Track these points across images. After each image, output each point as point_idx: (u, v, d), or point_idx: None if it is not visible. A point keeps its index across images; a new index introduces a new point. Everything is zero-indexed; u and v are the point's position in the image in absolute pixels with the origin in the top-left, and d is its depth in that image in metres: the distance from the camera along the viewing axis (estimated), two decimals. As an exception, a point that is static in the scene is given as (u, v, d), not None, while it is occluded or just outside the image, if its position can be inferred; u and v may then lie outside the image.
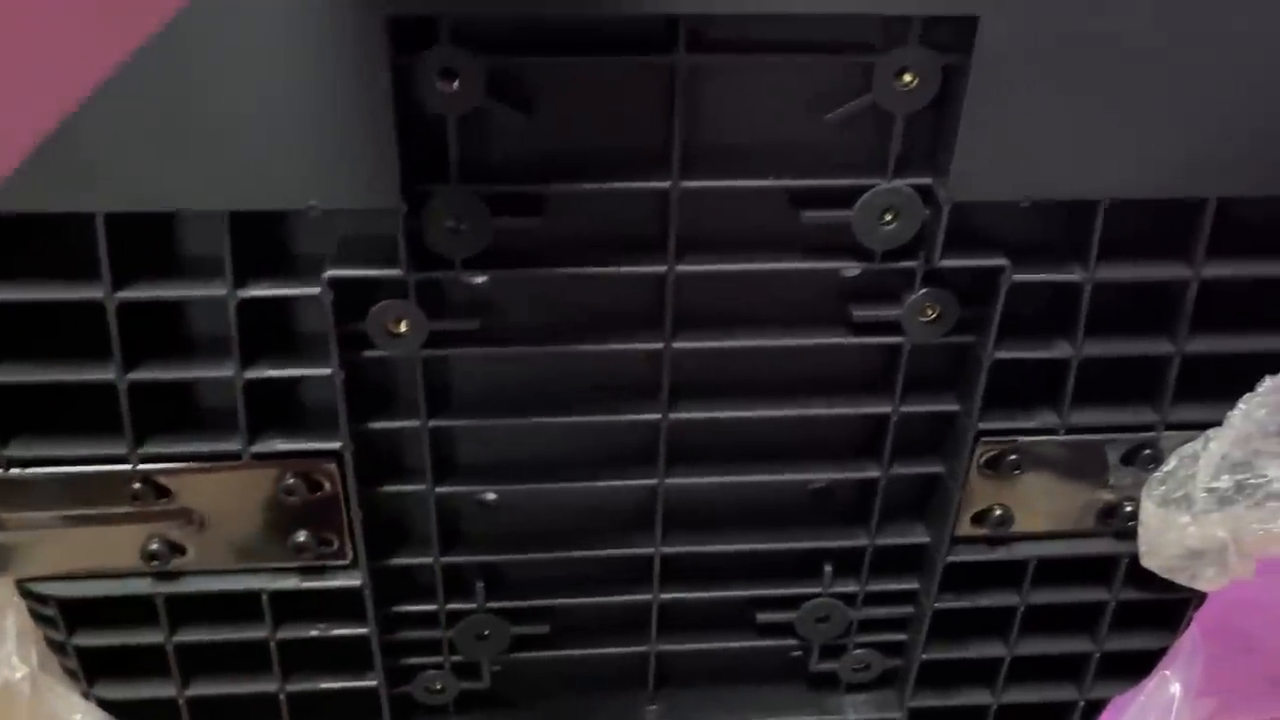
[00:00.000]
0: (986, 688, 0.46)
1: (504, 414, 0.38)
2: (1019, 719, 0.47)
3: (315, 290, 0.34)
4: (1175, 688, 0.48)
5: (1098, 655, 0.45)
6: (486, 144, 0.34)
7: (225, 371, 0.35)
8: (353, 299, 0.35)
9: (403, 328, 0.36)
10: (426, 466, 0.39)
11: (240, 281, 0.34)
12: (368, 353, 0.36)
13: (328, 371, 0.35)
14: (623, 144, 0.34)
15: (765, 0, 0.30)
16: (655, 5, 0.30)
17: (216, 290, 0.34)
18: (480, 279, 0.36)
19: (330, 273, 0.34)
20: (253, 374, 0.35)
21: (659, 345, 0.37)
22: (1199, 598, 0.45)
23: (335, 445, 0.37)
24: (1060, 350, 0.37)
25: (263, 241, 0.35)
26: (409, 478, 0.39)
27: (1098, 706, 0.48)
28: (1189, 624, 0.46)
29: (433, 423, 0.38)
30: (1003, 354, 0.37)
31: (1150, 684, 0.47)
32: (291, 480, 0.38)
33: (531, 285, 0.37)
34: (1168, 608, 0.45)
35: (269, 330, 0.36)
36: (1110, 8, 0.31)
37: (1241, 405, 0.38)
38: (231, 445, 0.37)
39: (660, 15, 0.31)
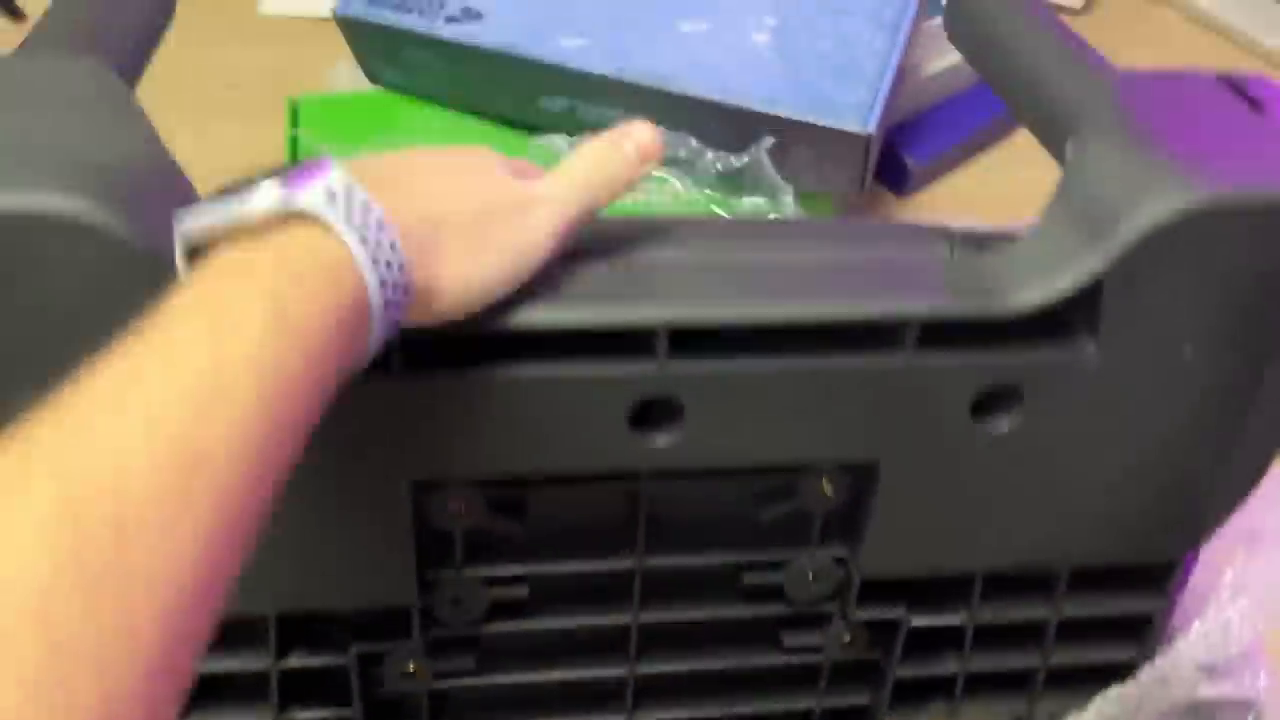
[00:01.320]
0: None
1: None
2: None
3: (343, 660, 0.41)
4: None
5: None
6: (485, 540, 0.41)
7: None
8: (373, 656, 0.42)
9: (411, 668, 0.43)
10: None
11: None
12: (381, 690, 0.43)
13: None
14: (596, 528, 0.42)
15: (712, 457, 0.38)
16: (616, 461, 0.38)
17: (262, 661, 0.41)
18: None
19: (356, 649, 0.41)
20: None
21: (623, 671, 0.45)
22: None
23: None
24: (951, 666, 0.46)
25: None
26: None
27: None
28: None
29: (437, 733, 0.45)
30: (904, 672, 0.46)
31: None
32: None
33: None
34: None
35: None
36: (979, 449, 0.39)
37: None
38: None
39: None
